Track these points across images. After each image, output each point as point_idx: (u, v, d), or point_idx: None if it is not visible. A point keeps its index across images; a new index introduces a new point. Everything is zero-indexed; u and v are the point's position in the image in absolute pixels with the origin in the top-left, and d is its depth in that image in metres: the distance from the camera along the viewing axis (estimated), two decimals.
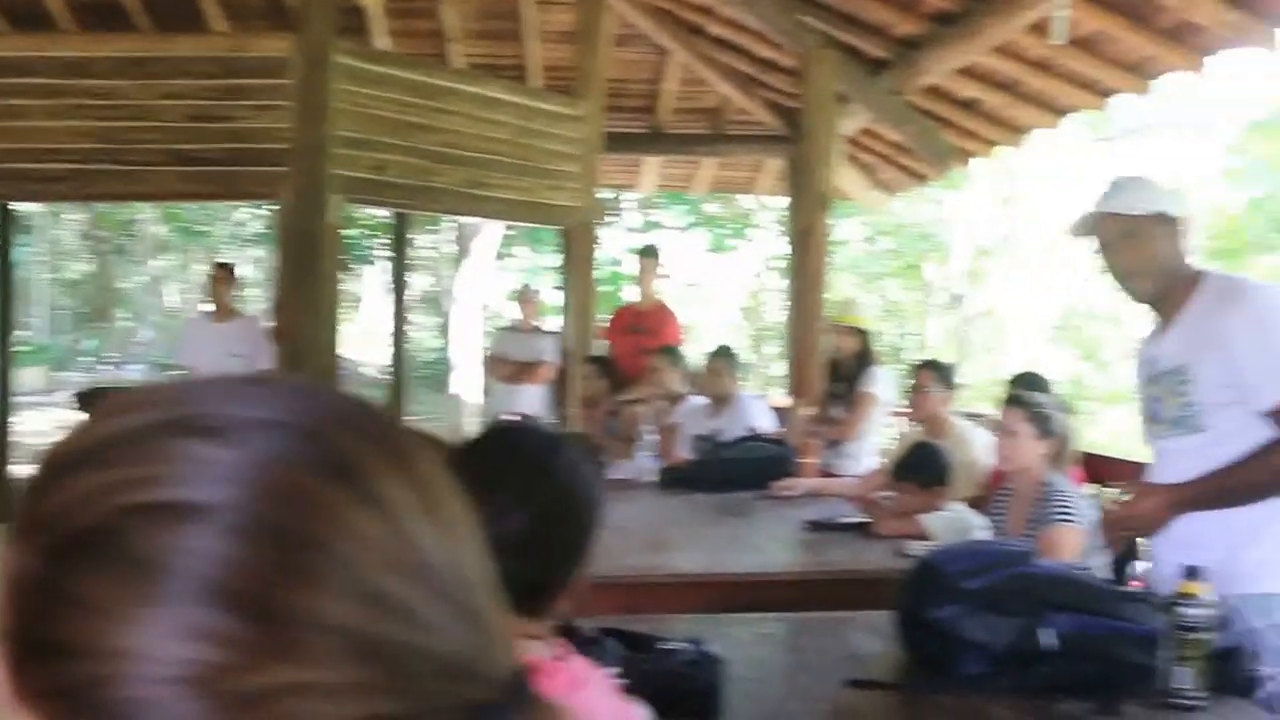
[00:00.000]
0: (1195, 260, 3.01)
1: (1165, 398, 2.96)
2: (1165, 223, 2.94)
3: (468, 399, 14.20)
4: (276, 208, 7.41)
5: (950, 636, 2.58)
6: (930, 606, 2.62)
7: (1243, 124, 20.24)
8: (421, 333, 23.27)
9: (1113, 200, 3.01)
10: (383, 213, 12.56)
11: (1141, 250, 2.96)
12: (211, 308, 8.26)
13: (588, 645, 2.28)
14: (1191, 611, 2.41)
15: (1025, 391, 4.44)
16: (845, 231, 20.71)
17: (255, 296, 17.13)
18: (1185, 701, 2.41)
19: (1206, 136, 19.33)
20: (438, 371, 17.65)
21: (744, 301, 21.11)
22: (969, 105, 8.57)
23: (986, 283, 21.34)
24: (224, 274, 8.27)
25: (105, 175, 6.92)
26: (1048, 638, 2.52)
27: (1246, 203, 20.84)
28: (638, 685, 2.21)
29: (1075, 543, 3.90)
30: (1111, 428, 21.51)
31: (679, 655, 2.30)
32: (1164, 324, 3.02)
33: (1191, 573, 2.45)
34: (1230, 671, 2.53)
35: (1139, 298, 3.06)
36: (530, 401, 8.73)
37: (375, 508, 0.58)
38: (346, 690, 0.55)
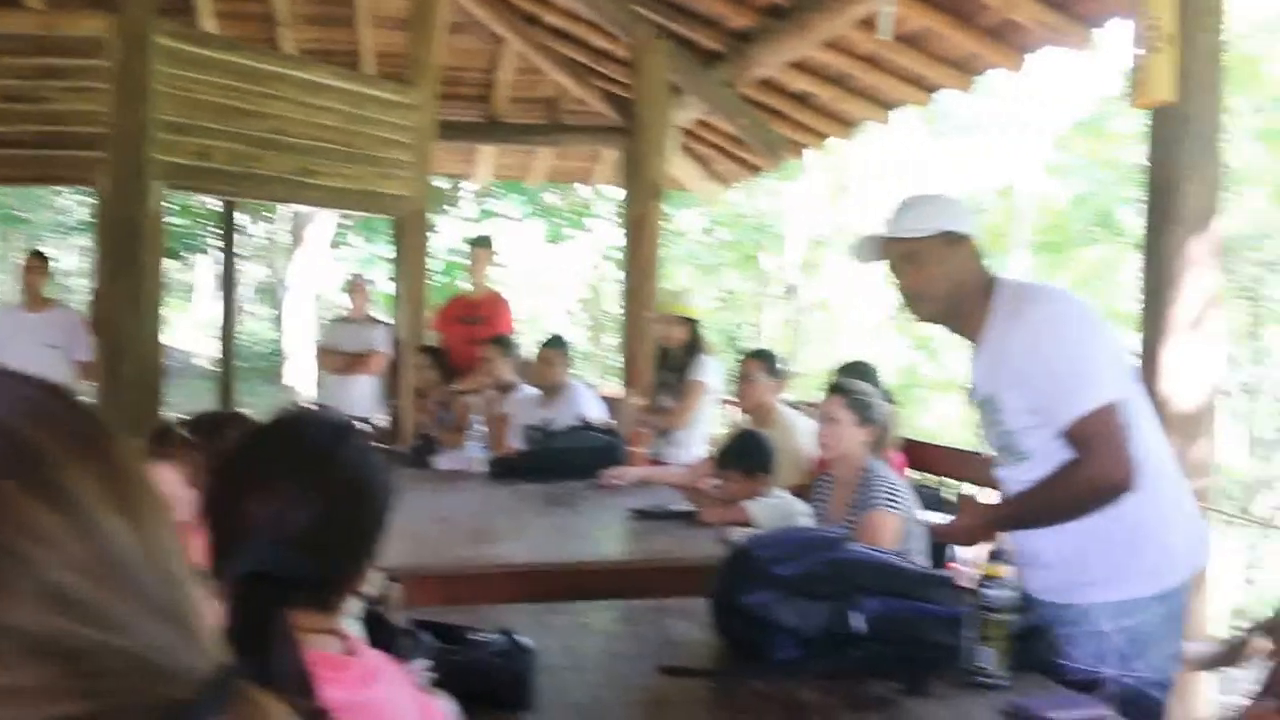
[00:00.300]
0: (988, 271, 2.94)
1: (987, 426, 2.95)
2: (949, 242, 2.88)
3: (301, 391, 13.99)
4: (96, 194, 7.19)
5: (762, 622, 2.60)
6: (743, 592, 2.64)
7: (1067, 122, 20.88)
8: (257, 324, 22.85)
9: (892, 223, 2.96)
10: (215, 201, 12.29)
11: (925, 272, 2.90)
12: (24, 297, 7.99)
13: (400, 638, 2.25)
14: (993, 593, 2.47)
15: (846, 380, 4.49)
16: (684, 222, 20.86)
17: (80, 286, 16.60)
18: (988, 680, 2.47)
19: (1032, 134, 19.87)
20: (273, 363, 17.35)
21: (583, 292, 21.12)
22: (800, 98, 8.70)
23: (821, 273, 21.67)
24: (37, 262, 7.99)
25: None
26: (857, 621, 2.57)
27: (1070, 198, 21.53)
28: (448, 677, 2.20)
29: (893, 528, 3.98)
30: (942, 415, 22.14)
31: (489, 646, 2.28)
32: (974, 347, 2.98)
33: (994, 555, 2.51)
34: (1032, 651, 2.60)
35: (927, 319, 3.04)
36: (362, 393, 8.64)
37: (60, 503, 0.56)
38: (30, 692, 0.53)
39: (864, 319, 22.60)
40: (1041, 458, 2.75)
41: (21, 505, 0.55)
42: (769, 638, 2.60)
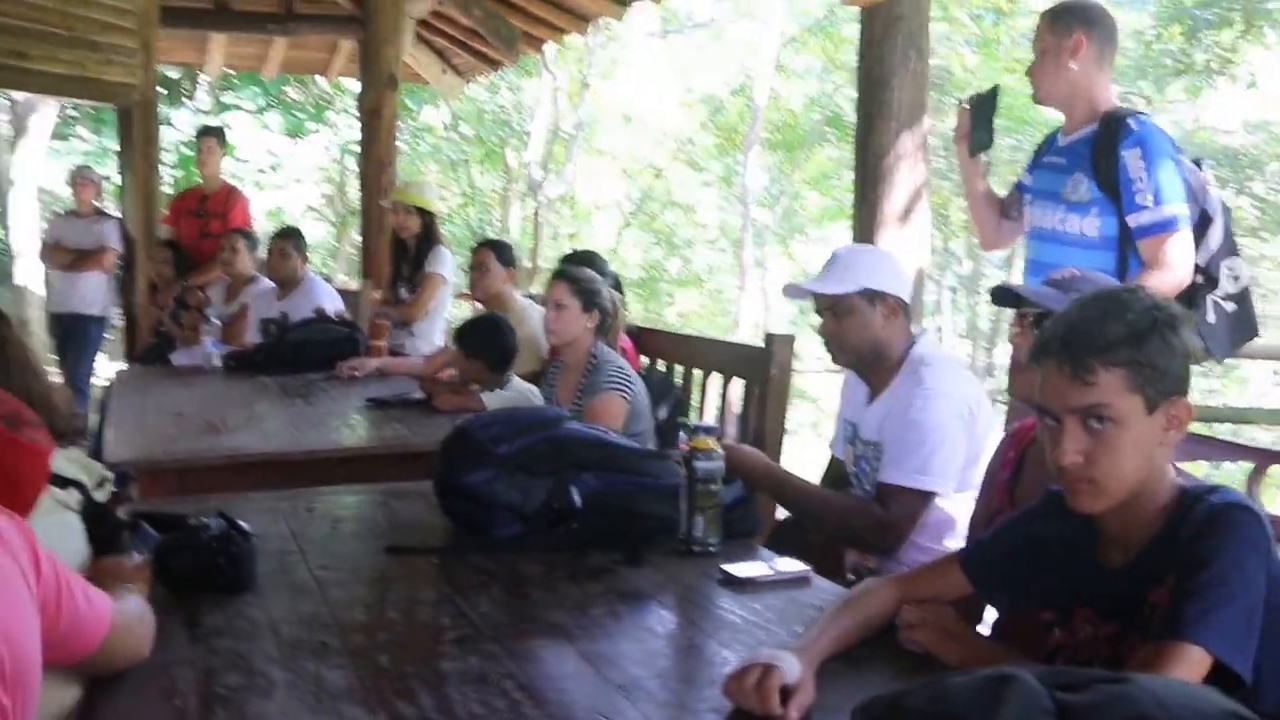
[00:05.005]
0: (906, 332, 3.13)
1: (861, 468, 3.19)
2: (870, 299, 3.07)
3: (34, 289, 13.41)
4: None
5: (484, 500, 2.68)
6: (464, 472, 2.71)
7: (799, 25, 21.26)
8: None
9: (820, 275, 3.14)
10: None
11: (843, 323, 3.09)
12: None
13: (122, 531, 2.26)
14: (704, 465, 2.59)
15: (571, 267, 4.57)
16: (428, 117, 20.59)
17: None
18: (700, 548, 2.60)
19: (766, 35, 20.16)
20: (2, 261, 16.51)
21: (326, 188, 20.69)
22: None
23: (564, 170, 21.73)
24: None
25: None
26: (576, 496, 2.66)
27: (803, 100, 22.02)
28: (166, 563, 2.22)
29: (618, 410, 4.11)
30: (684, 308, 22.60)
31: (205, 530, 2.29)
32: (872, 393, 3.17)
33: (702, 430, 2.63)
34: (739, 519, 2.75)
35: (842, 364, 3.23)
36: (93, 289, 8.41)
37: None
38: None
39: (608, 215, 22.83)
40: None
41: None
42: (491, 515, 2.68)
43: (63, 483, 2.13)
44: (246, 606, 2.21)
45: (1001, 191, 3.91)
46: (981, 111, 3.75)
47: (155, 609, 1.99)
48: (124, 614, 1.78)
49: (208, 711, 1.75)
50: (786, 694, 1.73)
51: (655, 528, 2.67)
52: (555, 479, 2.69)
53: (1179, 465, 1.97)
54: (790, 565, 2.50)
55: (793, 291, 3.24)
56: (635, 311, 19.29)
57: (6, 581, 1.45)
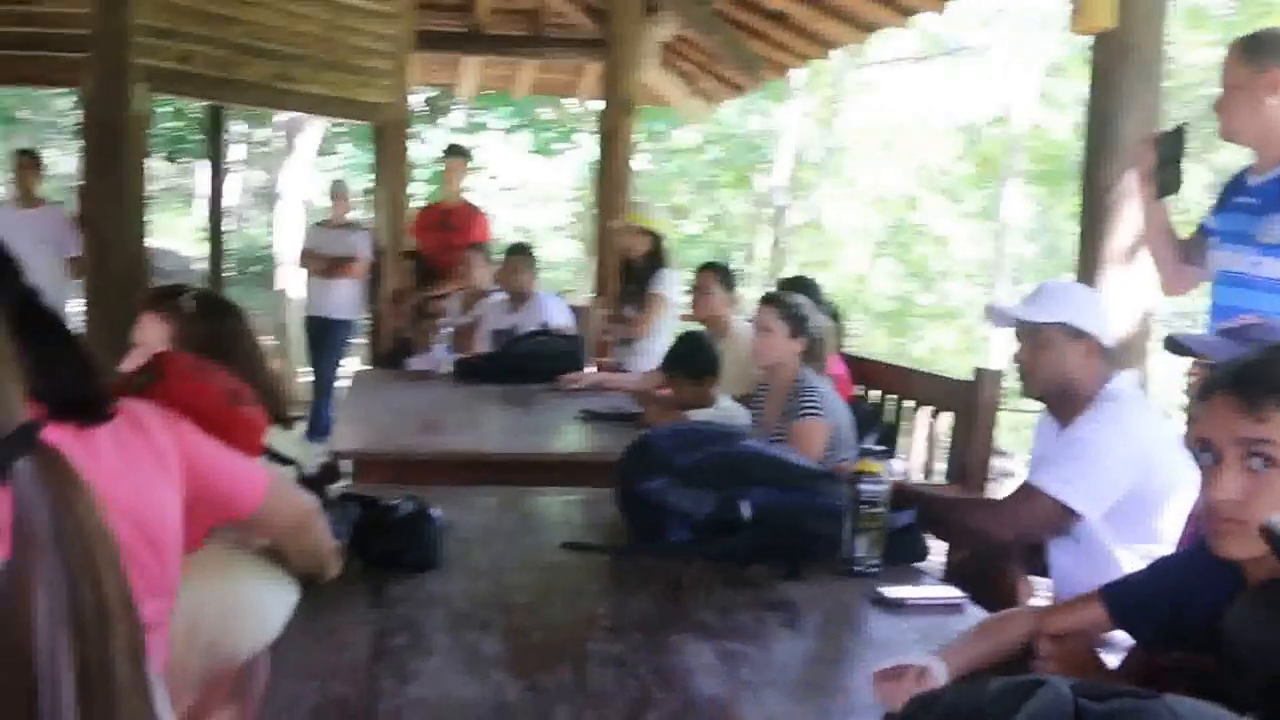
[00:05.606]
0: (1104, 373, 3.05)
1: None
2: (1070, 335, 3.01)
3: (292, 295, 14.15)
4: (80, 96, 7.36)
5: (658, 506, 2.82)
6: (642, 479, 2.87)
7: (1064, 48, 20.65)
8: (256, 229, 22.93)
9: (1024, 303, 3.12)
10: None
11: (1040, 355, 3.05)
12: (17, 195, 8.20)
13: (330, 507, 2.51)
14: (868, 488, 2.68)
15: (781, 292, 4.67)
16: (679, 139, 20.88)
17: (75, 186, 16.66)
18: (859, 568, 2.68)
19: (1026, 62, 19.69)
20: (268, 268, 17.46)
21: (576, 206, 21.20)
22: (777, 17, 8.77)
23: (809, 195, 21.64)
24: (28, 161, 8.18)
25: None
26: (745, 509, 2.78)
27: (1068, 129, 21.28)
28: (363, 539, 2.48)
29: (820, 436, 4.18)
30: (935, 344, 22.01)
31: (396, 511, 2.54)
32: (1061, 429, 3.09)
33: (869, 453, 2.72)
34: (905, 545, 2.82)
35: (1032, 396, 3.18)
36: (345, 296, 8.84)
37: None
38: None
39: (856, 244, 22.52)
40: (1085, 539, 2.91)
41: None
42: (664, 521, 2.82)
43: (281, 460, 2.37)
44: (426, 582, 2.44)
45: (1183, 234, 3.78)
46: (1168, 151, 3.62)
47: (347, 580, 2.32)
48: (281, 484, 2.11)
49: (373, 663, 1.99)
50: None
51: (819, 546, 2.76)
52: (726, 491, 2.81)
53: None
54: (946, 591, 2.56)
55: (995, 314, 3.23)
56: (880, 344, 19.14)
57: (136, 462, 1.68)
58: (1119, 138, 4.72)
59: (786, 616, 2.38)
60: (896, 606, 2.46)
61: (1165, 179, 3.62)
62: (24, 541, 0.80)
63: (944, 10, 7.49)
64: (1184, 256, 3.73)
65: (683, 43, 9.99)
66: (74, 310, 7.67)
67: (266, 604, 2.11)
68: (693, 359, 4.83)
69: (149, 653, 0.88)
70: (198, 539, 1.86)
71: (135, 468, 1.66)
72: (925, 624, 2.38)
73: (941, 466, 4.75)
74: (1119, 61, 4.70)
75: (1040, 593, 3.16)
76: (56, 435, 1.36)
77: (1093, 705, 1.17)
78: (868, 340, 19.27)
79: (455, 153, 8.70)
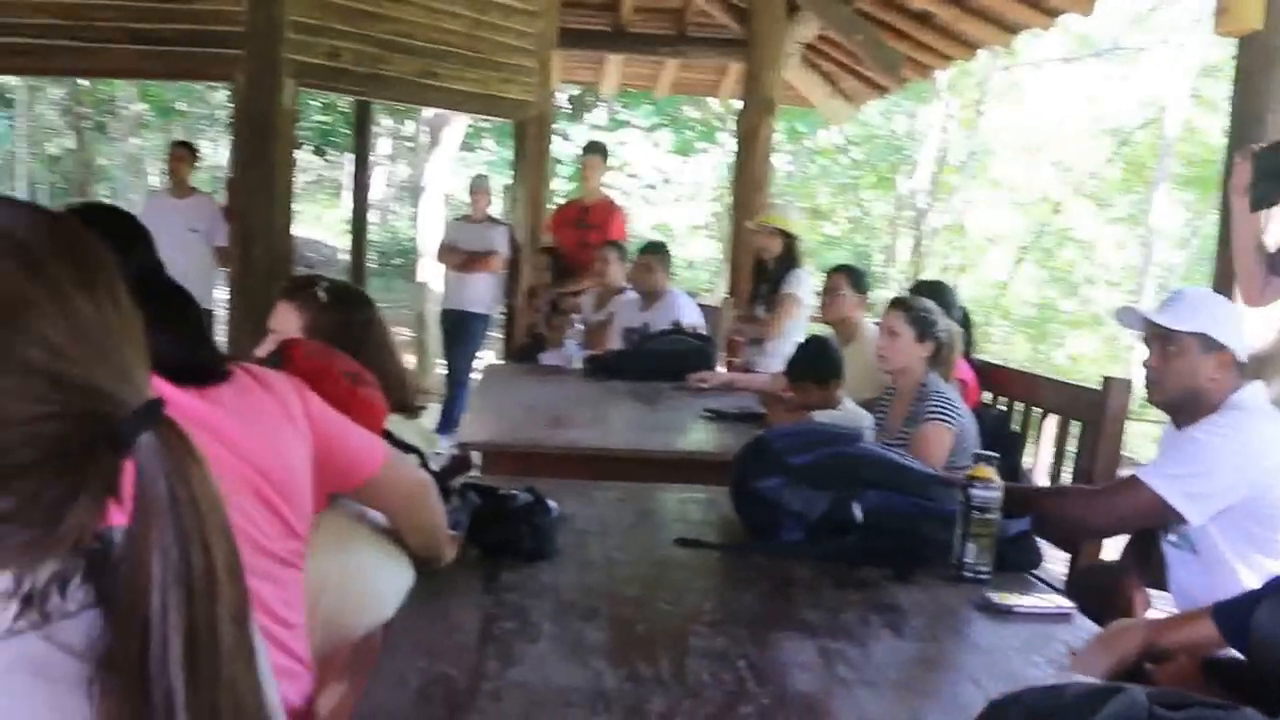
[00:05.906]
0: (1234, 385, 2.99)
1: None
2: (1205, 346, 2.96)
3: (434, 287, 14.40)
4: (233, 90, 7.60)
5: (772, 505, 2.86)
6: (758, 478, 2.91)
7: (1219, 49, 20.09)
8: (400, 222, 23.41)
9: (1160, 308, 3.08)
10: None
11: (1170, 363, 3.00)
12: (171, 184, 8.51)
13: (451, 496, 2.60)
14: (980, 493, 2.68)
15: (909, 296, 4.66)
16: (823, 139, 20.81)
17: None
18: (969, 574, 2.69)
19: (1180, 61, 19.25)
20: (410, 260, 17.80)
21: (716, 205, 21.24)
22: (921, 18, 8.72)
23: (951, 198, 21.40)
24: (184, 152, 8.50)
25: (64, 50, 7.07)
26: (857, 511, 2.81)
27: (1224, 131, 20.58)
28: (480, 527, 2.57)
29: (944, 440, 4.17)
30: (1074, 351, 21.56)
31: (513, 501, 2.62)
32: (1178, 432, 3.08)
33: (981, 459, 2.72)
34: (1018, 552, 2.81)
35: (1156, 404, 3.13)
36: (482, 289, 9.00)
37: (44, 280, 0.87)
38: (21, 394, 0.84)
39: (1001, 248, 22.17)
40: (1205, 551, 2.93)
41: (18, 280, 0.85)
42: (777, 520, 2.86)
43: (404, 448, 2.45)
44: (539, 572, 2.51)
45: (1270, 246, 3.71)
46: (1269, 164, 3.56)
47: (463, 566, 2.44)
48: (398, 457, 2.24)
49: (481, 645, 2.06)
50: None
51: (930, 550, 2.76)
52: (840, 493, 2.84)
53: None
54: (1055, 600, 2.56)
55: (1126, 316, 3.19)
56: (1020, 351, 18.84)
57: (267, 419, 1.83)
58: (1262, 140, 4.60)
59: (891, 618, 2.40)
60: (1003, 613, 2.46)
61: (1263, 192, 3.55)
62: (144, 510, 0.86)
63: (1091, 11, 7.37)
64: (1272, 268, 3.68)
65: (825, 42, 9.96)
66: (220, 297, 7.95)
67: (384, 585, 2.21)
68: (817, 363, 4.86)
69: (252, 618, 0.95)
70: (320, 503, 1.99)
71: (260, 420, 1.80)
72: (1030, 632, 2.37)
73: (1068, 476, 4.70)
74: (1264, 64, 4.58)
75: (1159, 606, 3.15)
76: (183, 398, 1.47)
77: (1169, 714, 1.19)
78: (1007, 347, 19.01)
79: (593, 150, 8.80)
